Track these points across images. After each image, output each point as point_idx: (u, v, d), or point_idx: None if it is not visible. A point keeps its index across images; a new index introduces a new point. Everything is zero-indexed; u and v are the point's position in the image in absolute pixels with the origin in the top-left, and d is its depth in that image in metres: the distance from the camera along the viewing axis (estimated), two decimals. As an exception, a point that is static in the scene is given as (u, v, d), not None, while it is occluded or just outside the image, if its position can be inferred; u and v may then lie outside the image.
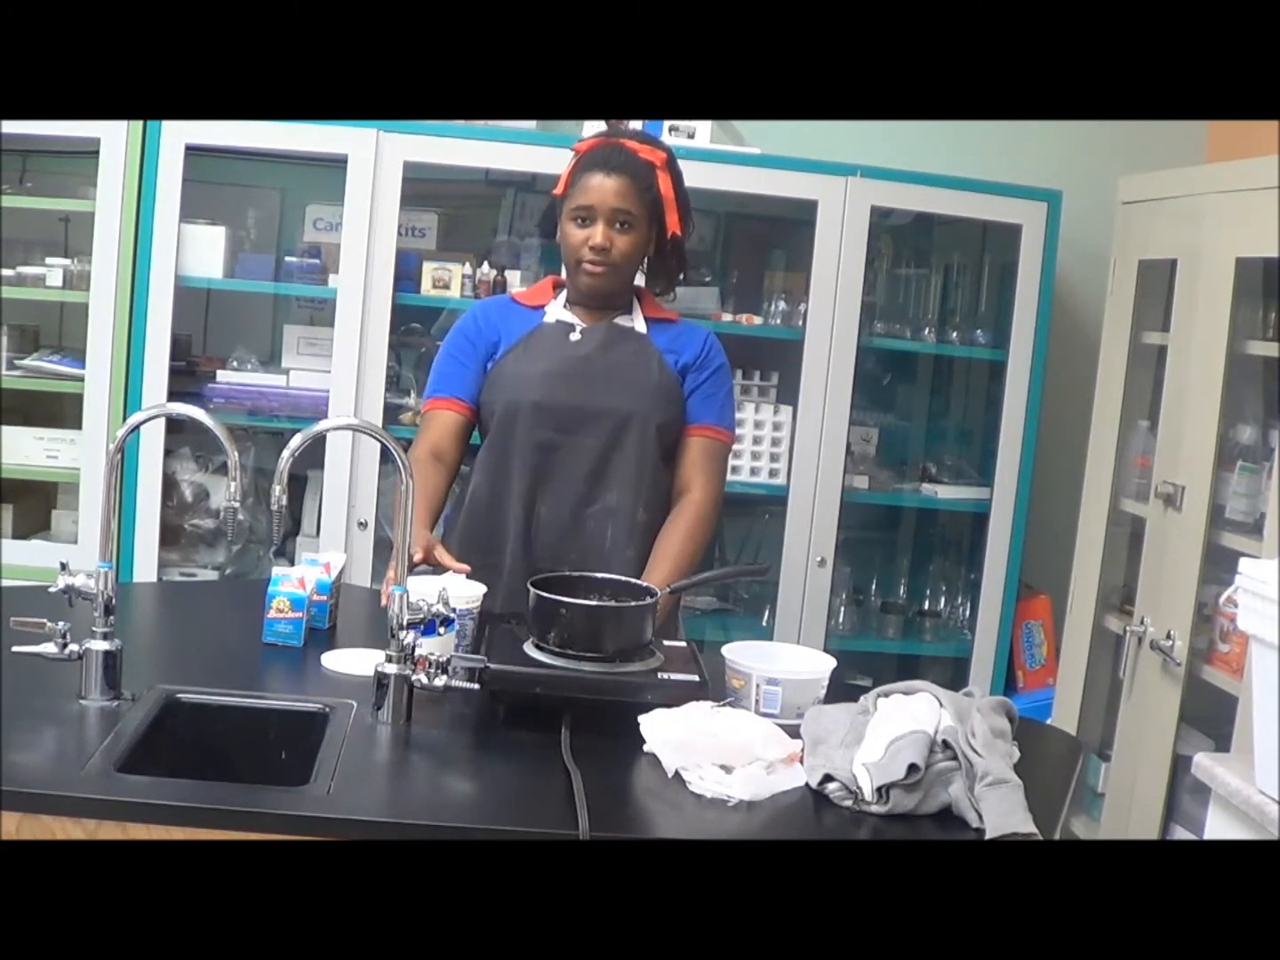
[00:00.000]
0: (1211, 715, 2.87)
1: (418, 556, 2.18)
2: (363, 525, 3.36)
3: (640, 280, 2.60)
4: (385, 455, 3.25)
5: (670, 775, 1.77)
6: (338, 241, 3.34)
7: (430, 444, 2.45)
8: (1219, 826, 2.01)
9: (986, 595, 3.66)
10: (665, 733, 1.82)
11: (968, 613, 3.79)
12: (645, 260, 2.50)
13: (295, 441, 1.90)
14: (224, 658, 2.17)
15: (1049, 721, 3.31)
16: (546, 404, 2.41)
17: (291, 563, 3.37)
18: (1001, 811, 1.65)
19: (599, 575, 2.18)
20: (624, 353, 2.45)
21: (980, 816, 1.67)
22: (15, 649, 1.84)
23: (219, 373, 3.44)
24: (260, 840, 1.53)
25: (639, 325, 2.48)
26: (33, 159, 3.41)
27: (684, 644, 2.15)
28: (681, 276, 2.58)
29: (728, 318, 3.56)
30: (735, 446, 3.53)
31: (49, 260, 3.31)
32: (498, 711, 1.95)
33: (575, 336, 2.45)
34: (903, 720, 1.78)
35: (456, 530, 2.48)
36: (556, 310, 2.49)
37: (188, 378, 3.43)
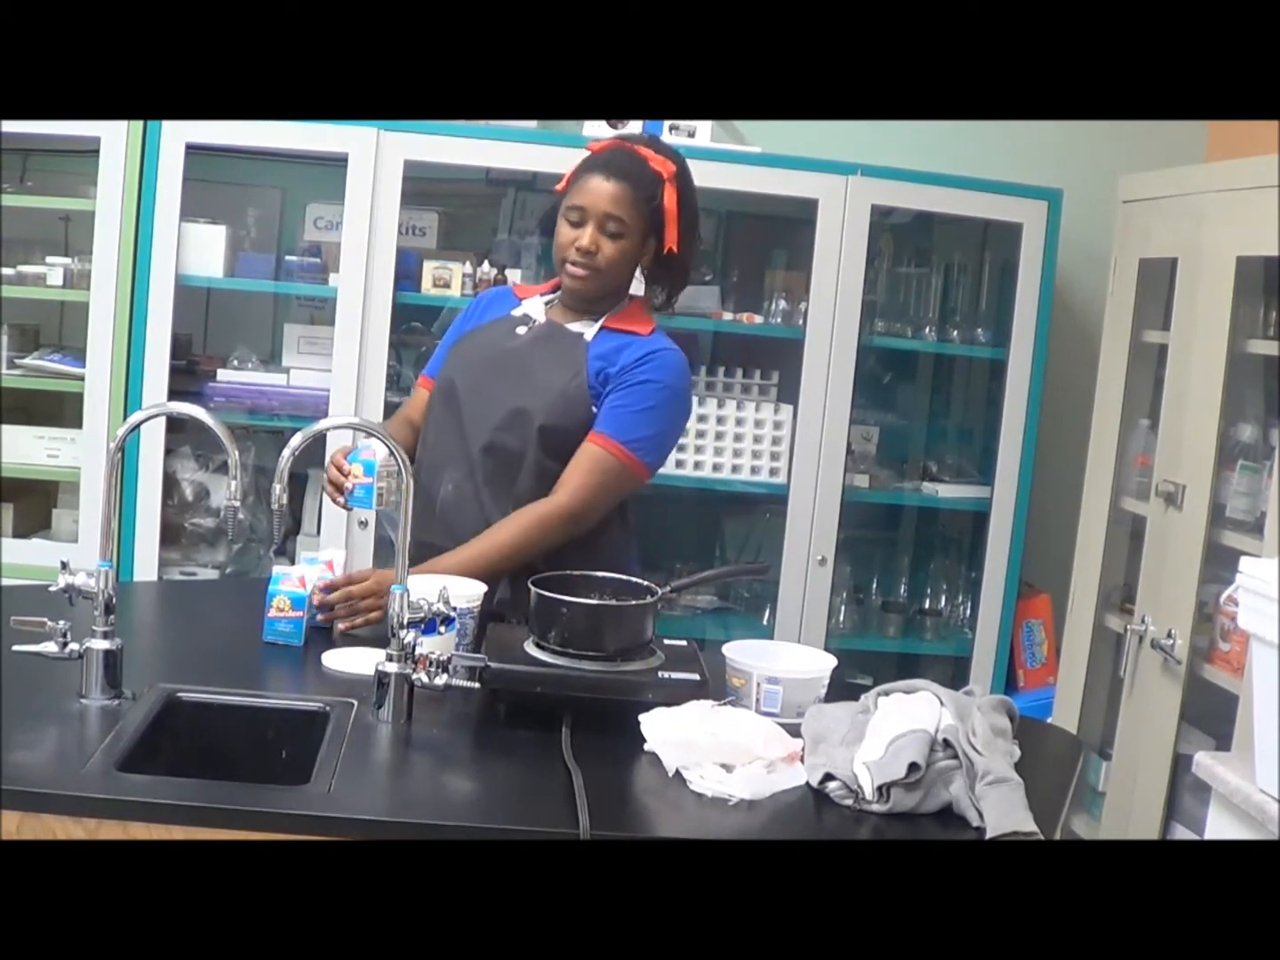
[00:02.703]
0: (1212, 714, 2.87)
1: (338, 460, 2.35)
2: (363, 524, 3.36)
3: (640, 288, 2.55)
4: (386, 454, 3.25)
5: (671, 774, 1.77)
6: (338, 240, 3.34)
7: (406, 411, 2.62)
8: (1220, 825, 2.02)
9: (987, 594, 3.66)
10: (666, 732, 1.82)
11: (968, 611, 3.79)
12: (644, 270, 2.48)
13: (296, 440, 1.90)
14: (224, 657, 2.17)
15: (1049, 720, 3.31)
16: (459, 388, 2.44)
17: (292, 562, 3.37)
18: (1002, 810, 1.65)
19: (599, 574, 2.17)
20: (546, 352, 2.42)
21: (981, 815, 1.67)
22: (16, 648, 1.84)
23: (219, 371, 3.44)
24: (261, 839, 1.53)
25: (589, 330, 2.42)
26: (33, 158, 3.42)
27: (684, 642, 2.15)
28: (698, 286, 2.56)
29: (728, 317, 3.56)
30: (736, 445, 3.56)
31: (49, 259, 3.31)
32: (498, 710, 1.95)
33: (521, 330, 2.46)
34: (903, 719, 1.79)
35: None
36: (531, 305, 2.50)
37: (188, 377, 3.43)
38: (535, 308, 2.48)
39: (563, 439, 2.37)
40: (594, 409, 2.37)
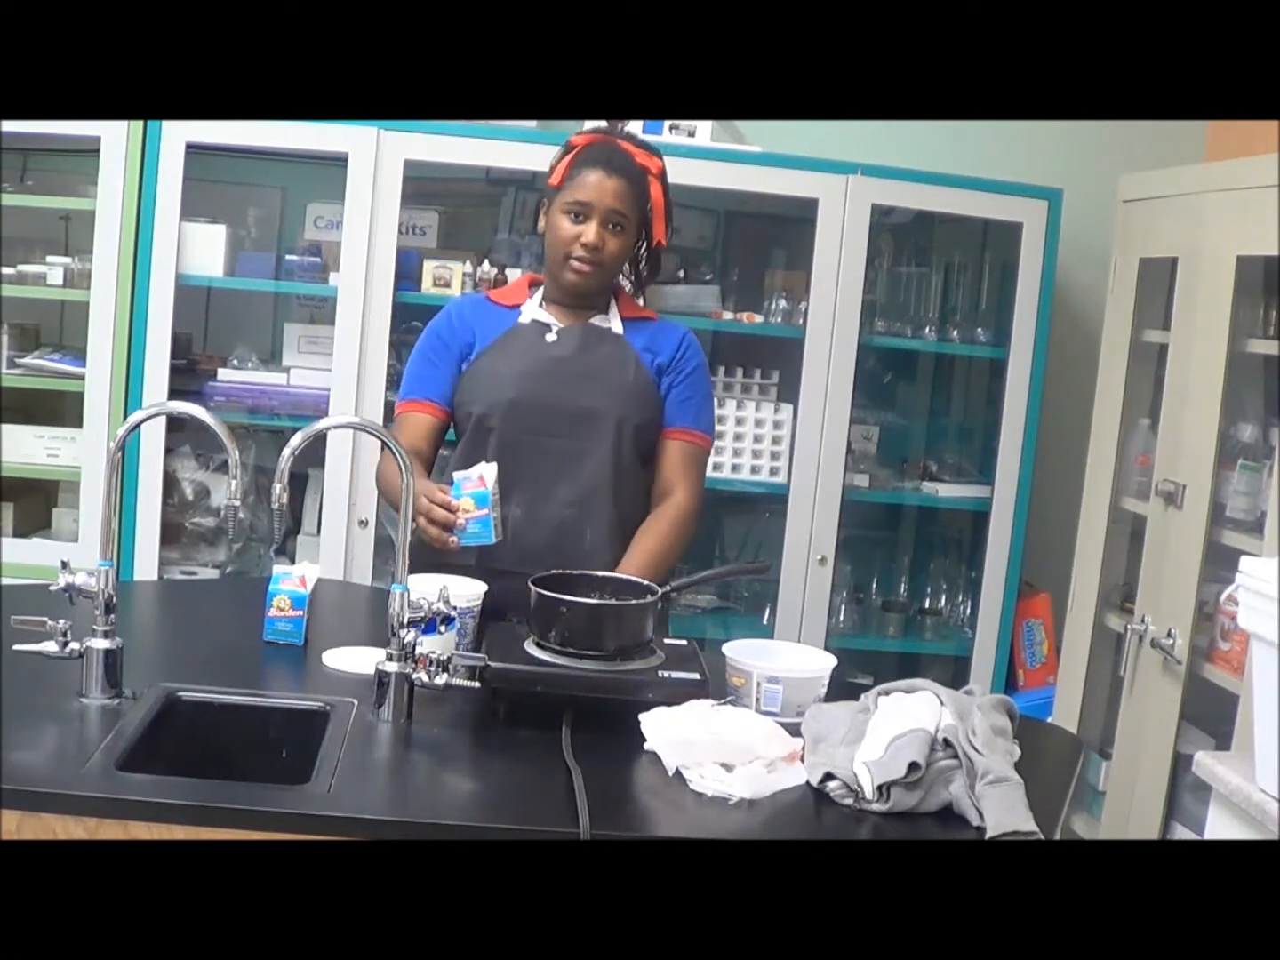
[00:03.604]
0: (1212, 713, 2.87)
1: (439, 497, 2.14)
2: (363, 524, 3.36)
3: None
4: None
5: (671, 773, 1.78)
6: (338, 240, 3.34)
7: (407, 442, 2.37)
8: (1220, 825, 2.02)
9: (987, 593, 3.67)
10: (666, 731, 1.82)
11: (968, 611, 3.79)
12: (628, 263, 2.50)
13: (296, 440, 1.90)
14: (225, 656, 2.17)
15: (1049, 720, 3.32)
16: (523, 405, 2.38)
17: (292, 561, 3.38)
18: (1002, 810, 1.65)
19: (599, 573, 2.18)
20: (601, 353, 2.43)
21: (981, 815, 1.67)
22: (16, 647, 1.85)
23: (220, 371, 3.44)
24: (261, 839, 1.53)
25: (615, 325, 2.46)
26: (33, 157, 3.41)
27: (684, 642, 2.15)
28: (682, 275, 2.57)
29: (728, 316, 3.56)
30: (736, 445, 3.57)
31: (50, 258, 3.31)
32: (498, 710, 1.95)
33: (551, 337, 2.43)
34: (903, 718, 1.79)
35: None
36: (532, 310, 2.46)
37: (188, 376, 3.43)
38: (537, 311, 2.46)
39: (646, 435, 2.45)
40: (661, 400, 2.45)
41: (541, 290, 2.49)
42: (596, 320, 2.46)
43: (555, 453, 2.39)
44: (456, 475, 2.20)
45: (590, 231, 2.34)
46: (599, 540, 2.39)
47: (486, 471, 2.19)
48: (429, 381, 2.47)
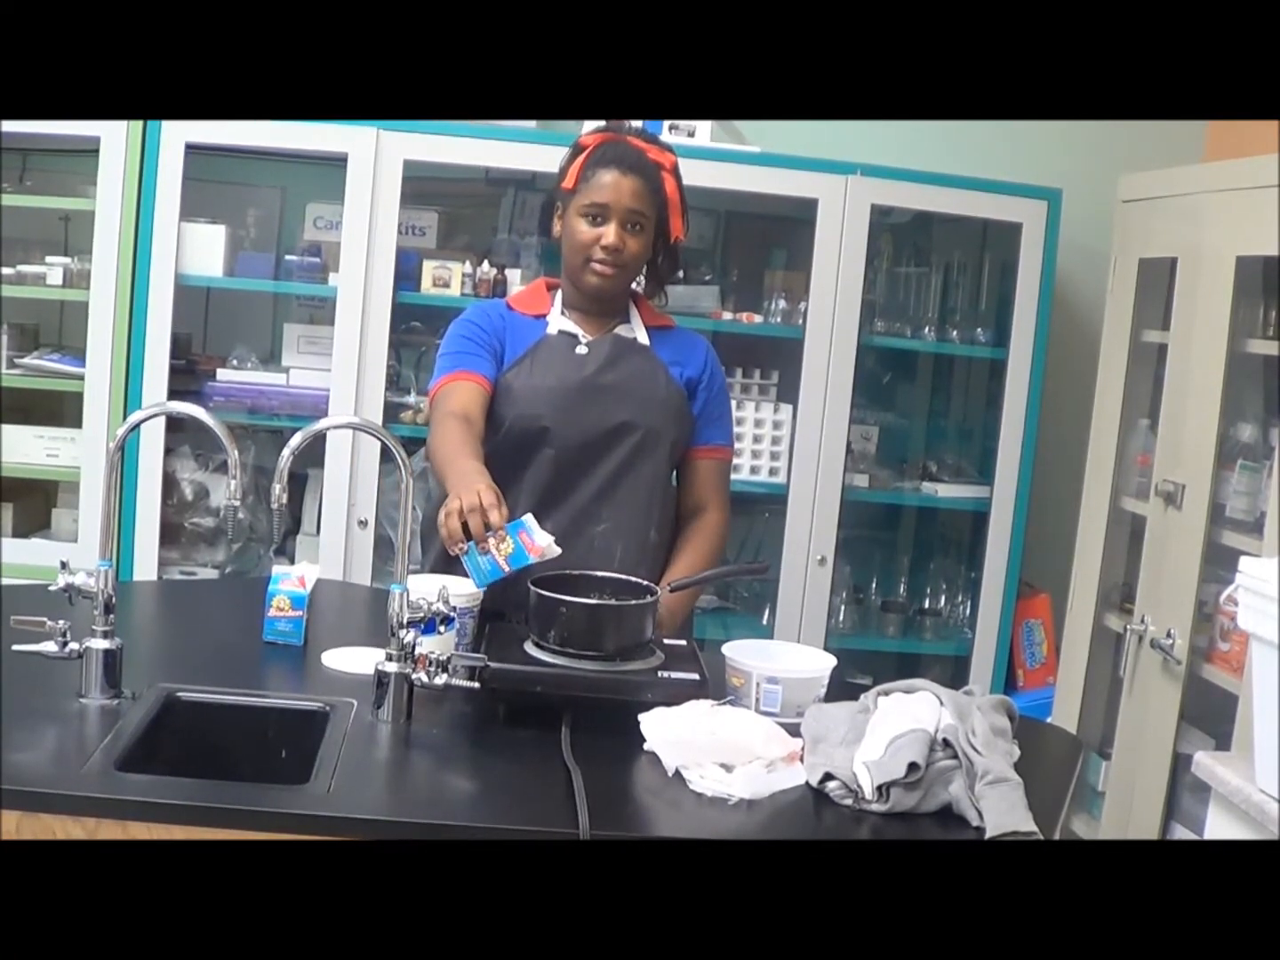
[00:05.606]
0: (1212, 714, 2.87)
1: (493, 516, 1.95)
2: (363, 524, 3.36)
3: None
4: (385, 454, 3.25)
5: (670, 774, 1.78)
6: (338, 240, 3.34)
7: (459, 405, 2.29)
8: (1219, 825, 2.02)
9: (987, 594, 3.67)
10: (665, 731, 1.82)
11: (968, 611, 3.79)
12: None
13: (296, 440, 1.90)
14: (224, 656, 2.16)
15: (1049, 720, 3.32)
16: (558, 421, 2.33)
17: (292, 561, 3.38)
18: (1002, 810, 1.65)
19: (599, 574, 2.17)
20: (631, 367, 2.39)
21: (980, 815, 1.67)
22: (15, 647, 1.84)
23: (219, 371, 3.44)
24: (261, 840, 1.53)
25: (641, 336, 2.42)
26: (33, 157, 3.42)
27: (684, 642, 2.15)
28: (681, 275, 2.55)
29: (728, 316, 3.56)
30: (736, 445, 3.57)
31: (49, 259, 3.31)
32: (498, 710, 1.95)
33: (582, 350, 2.38)
34: (903, 719, 1.79)
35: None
36: (558, 320, 2.41)
37: (188, 376, 3.43)
38: (562, 321, 2.42)
39: (678, 450, 2.44)
40: (692, 415, 2.45)
41: (560, 296, 2.45)
42: (621, 330, 2.43)
43: (589, 470, 2.35)
44: (529, 521, 1.99)
45: (610, 233, 2.30)
46: (629, 559, 2.34)
47: (551, 551, 1.99)
48: (473, 359, 2.37)
